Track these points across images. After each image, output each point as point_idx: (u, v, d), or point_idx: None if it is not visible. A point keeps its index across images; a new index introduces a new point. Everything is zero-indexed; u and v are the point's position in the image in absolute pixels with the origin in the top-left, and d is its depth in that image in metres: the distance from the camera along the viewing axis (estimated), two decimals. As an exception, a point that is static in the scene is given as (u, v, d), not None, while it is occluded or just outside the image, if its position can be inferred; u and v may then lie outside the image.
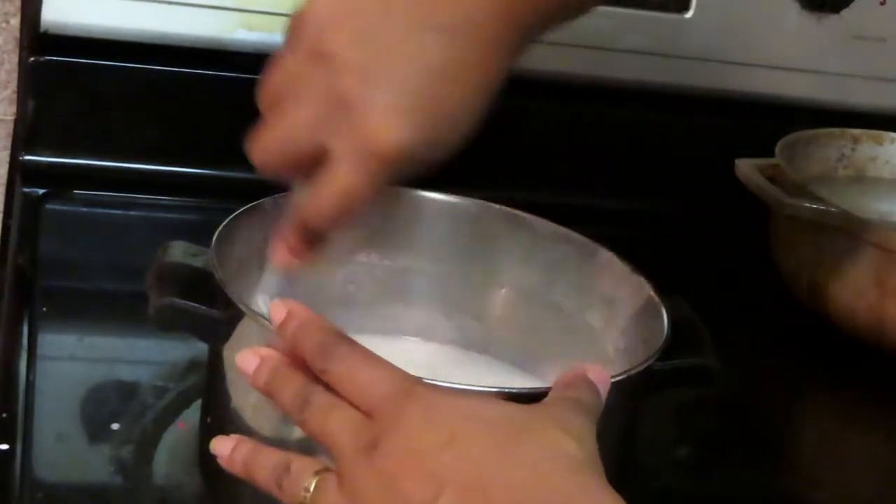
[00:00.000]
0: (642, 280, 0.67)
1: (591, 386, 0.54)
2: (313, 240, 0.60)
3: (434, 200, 0.72)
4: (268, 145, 0.58)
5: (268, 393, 0.54)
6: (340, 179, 0.56)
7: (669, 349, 0.61)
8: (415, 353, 0.71)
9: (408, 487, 0.47)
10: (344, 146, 0.55)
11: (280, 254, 0.60)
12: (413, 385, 0.51)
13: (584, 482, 0.48)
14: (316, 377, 0.52)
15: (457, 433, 0.48)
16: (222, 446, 0.54)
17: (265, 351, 0.54)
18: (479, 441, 0.48)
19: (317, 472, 0.50)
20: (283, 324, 0.54)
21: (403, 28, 0.55)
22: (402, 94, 0.55)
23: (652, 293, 0.66)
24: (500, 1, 0.56)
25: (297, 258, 0.60)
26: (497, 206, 0.72)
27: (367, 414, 0.50)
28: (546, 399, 0.53)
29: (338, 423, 0.50)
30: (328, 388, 0.52)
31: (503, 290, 0.72)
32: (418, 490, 0.47)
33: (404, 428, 0.49)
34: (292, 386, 0.53)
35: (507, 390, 0.54)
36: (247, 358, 0.54)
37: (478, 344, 0.72)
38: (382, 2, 0.56)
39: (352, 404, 0.51)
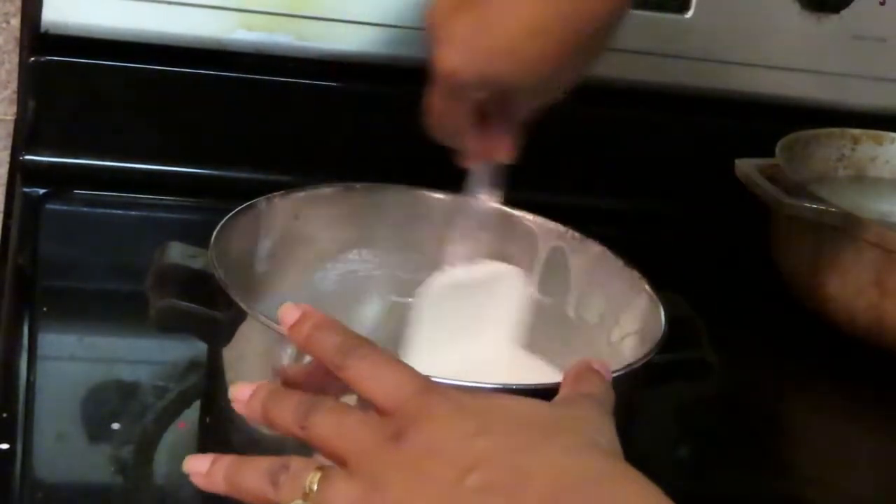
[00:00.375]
0: (636, 274, 0.67)
1: (602, 378, 0.54)
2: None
3: (429, 198, 0.72)
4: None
5: (265, 415, 0.51)
6: (429, 91, 0.67)
7: (666, 343, 0.61)
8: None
9: (435, 469, 0.46)
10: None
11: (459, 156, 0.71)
12: (438, 385, 0.50)
13: (618, 466, 0.48)
14: (317, 396, 0.51)
15: (485, 427, 0.48)
16: (198, 463, 0.51)
17: (259, 382, 0.53)
18: (509, 435, 0.48)
19: (319, 468, 0.48)
20: (297, 325, 0.53)
21: None
22: (462, 28, 0.64)
23: (647, 287, 0.66)
24: None
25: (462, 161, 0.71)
26: (490, 204, 0.72)
27: (386, 413, 0.49)
28: (560, 396, 0.53)
29: (355, 422, 0.49)
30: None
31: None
32: (446, 471, 0.46)
33: (432, 420, 0.48)
34: (292, 400, 0.51)
35: (514, 386, 0.54)
36: (241, 388, 0.52)
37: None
38: None
39: (370, 402, 0.50)
